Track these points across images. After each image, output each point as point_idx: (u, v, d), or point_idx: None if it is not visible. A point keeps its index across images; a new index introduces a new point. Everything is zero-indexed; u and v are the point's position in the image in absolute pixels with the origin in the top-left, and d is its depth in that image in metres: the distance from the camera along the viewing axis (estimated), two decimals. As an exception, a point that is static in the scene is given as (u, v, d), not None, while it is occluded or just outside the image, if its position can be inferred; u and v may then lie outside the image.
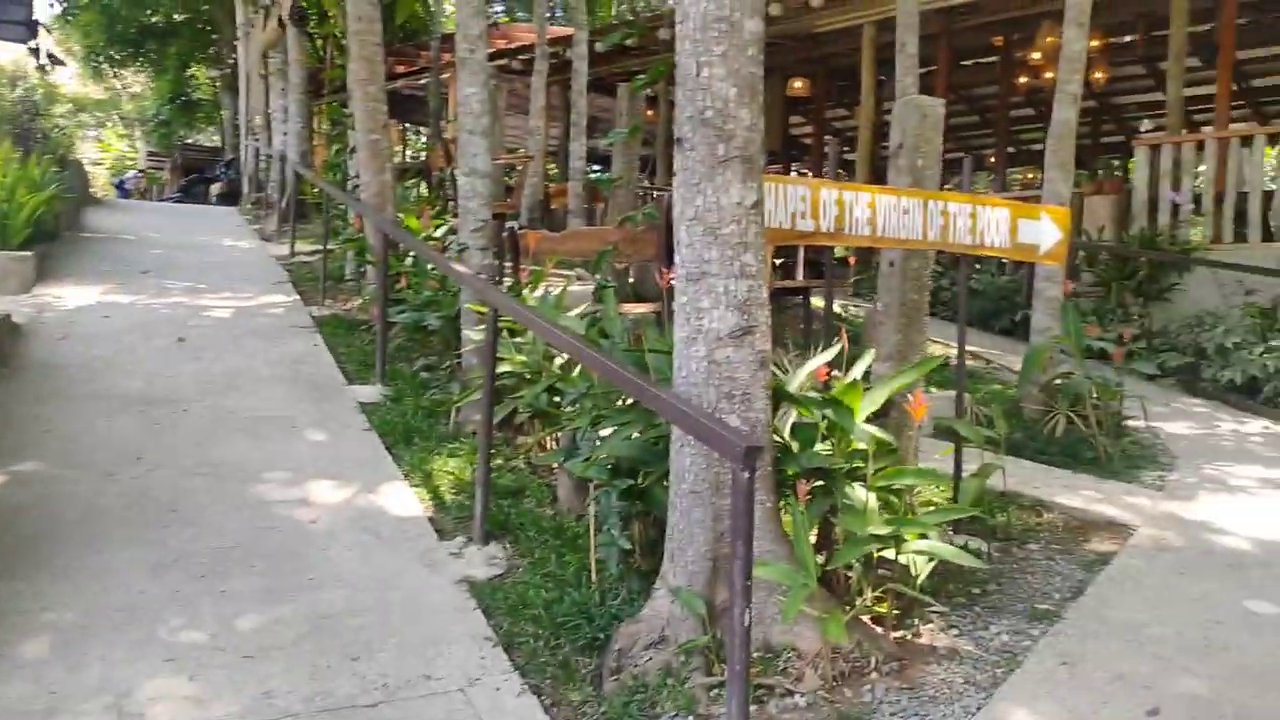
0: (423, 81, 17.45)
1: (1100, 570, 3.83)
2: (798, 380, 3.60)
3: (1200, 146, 9.04)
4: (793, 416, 3.60)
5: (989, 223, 4.26)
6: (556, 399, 4.46)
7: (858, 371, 3.52)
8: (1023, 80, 15.53)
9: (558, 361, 4.57)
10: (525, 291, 5.33)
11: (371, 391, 5.91)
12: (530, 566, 3.81)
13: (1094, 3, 6.12)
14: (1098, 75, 13.69)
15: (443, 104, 15.18)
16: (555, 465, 4.37)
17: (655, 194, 12.36)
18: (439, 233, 7.08)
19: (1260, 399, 7.13)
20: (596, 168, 25.57)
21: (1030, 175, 20.14)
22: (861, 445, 3.30)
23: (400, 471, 4.81)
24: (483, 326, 4.37)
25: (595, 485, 3.73)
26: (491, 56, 15.24)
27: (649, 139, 16.71)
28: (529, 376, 4.61)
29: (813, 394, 3.46)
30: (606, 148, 21.31)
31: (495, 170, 10.60)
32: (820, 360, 3.59)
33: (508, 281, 6.10)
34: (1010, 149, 18.04)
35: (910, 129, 4.61)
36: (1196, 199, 8.92)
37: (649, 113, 16.42)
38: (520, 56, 13.97)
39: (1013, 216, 4.34)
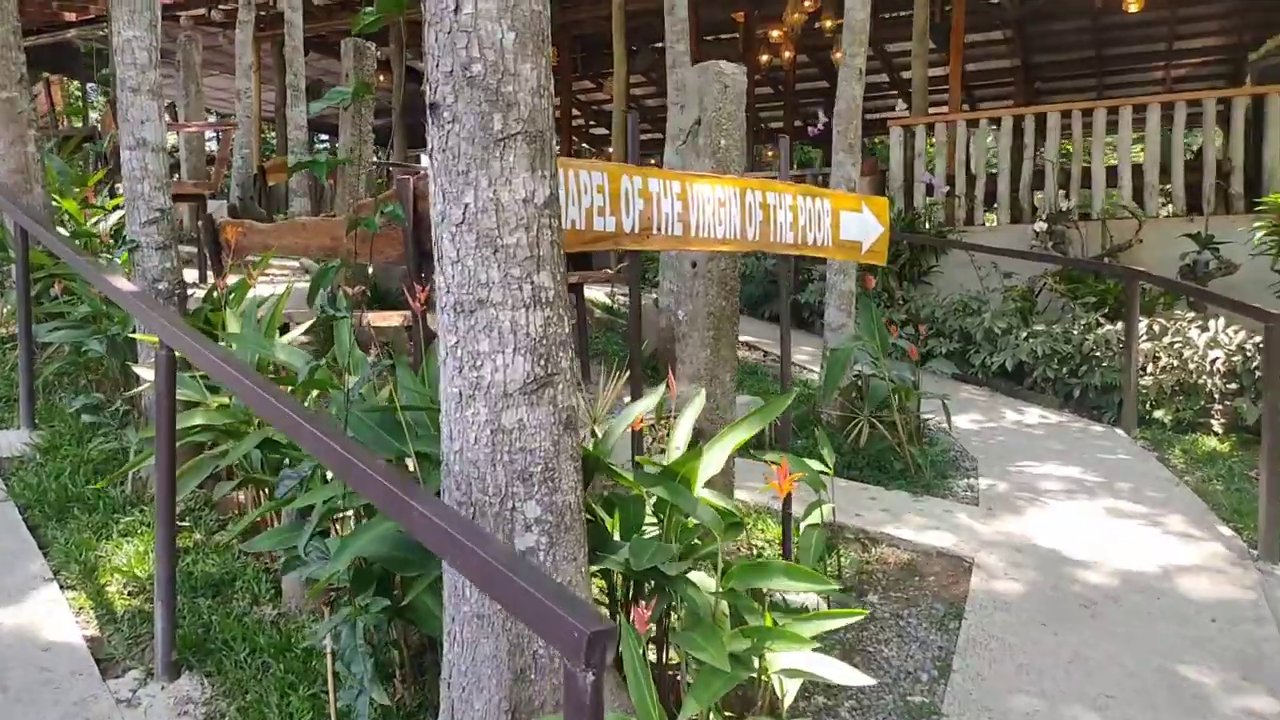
0: (102, 33, 14.77)
1: (957, 630, 3.25)
2: (616, 432, 2.70)
3: (952, 126, 9.06)
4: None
5: (811, 217, 3.56)
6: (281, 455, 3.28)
7: (686, 426, 2.68)
8: (764, 58, 15.52)
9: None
10: (228, 304, 4.03)
11: (11, 440, 4.37)
12: (239, 715, 2.67)
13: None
14: (836, 55, 13.81)
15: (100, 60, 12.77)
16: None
17: (393, 173, 11.01)
18: (110, 221, 5.48)
19: (1028, 384, 7.13)
20: (325, 138, 23.34)
21: (770, 154, 20.51)
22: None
23: (49, 566, 3.43)
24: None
25: (333, 595, 2.65)
26: (184, 4, 13.09)
27: (384, 106, 15.10)
28: (236, 427, 3.38)
29: (648, 467, 2.58)
30: (329, 113, 19.34)
31: (194, 141, 8.85)
32: (639, 409, 2.72)
33: (202, 289, 4.72)
34: (756, 128, 18.17)
35: (710, 102, 3.82)
36: (950, 180, 8.94)
37: (380, 77, 14.82)
38: (221, 5, 12.00)
39: (835, 209, 3.67)
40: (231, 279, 4.31)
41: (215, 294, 4.05)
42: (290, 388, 3.09)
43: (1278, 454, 4.09)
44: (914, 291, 8.65)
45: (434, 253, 2.28)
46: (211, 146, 11.62)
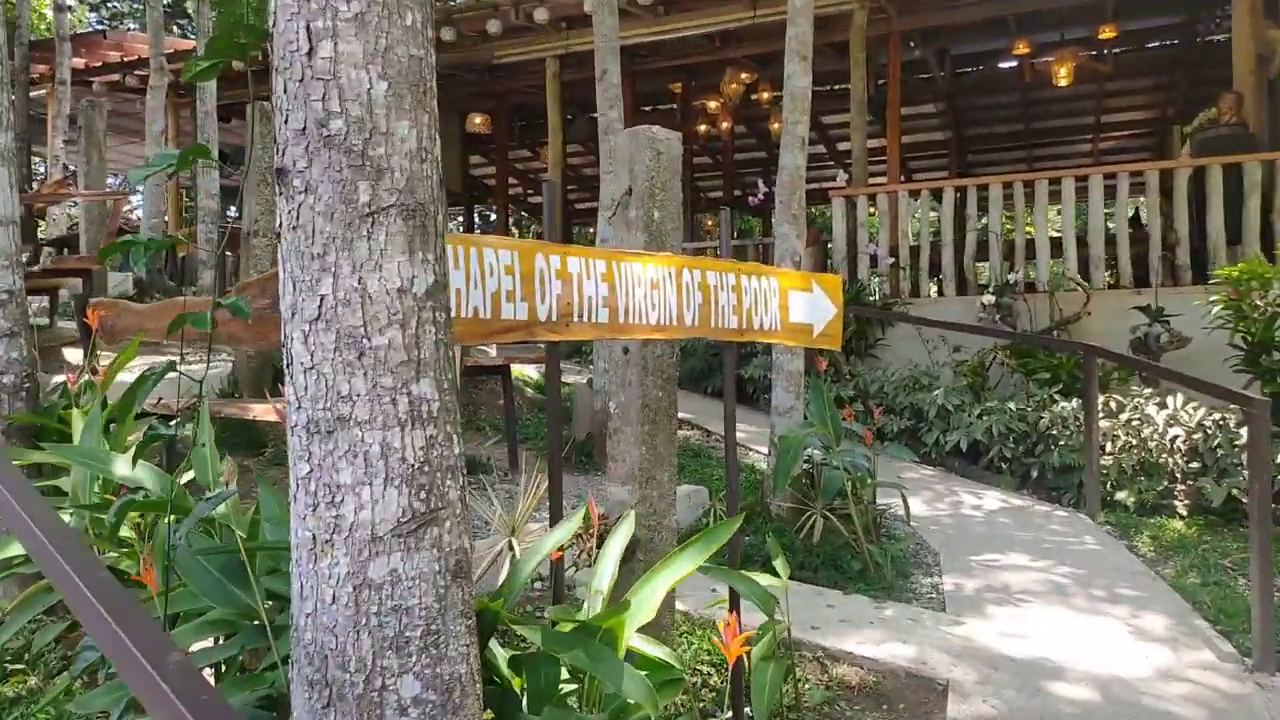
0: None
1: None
2: (527, 567, 2.19)
3: (894, 197, 8.87)
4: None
5: (757, 299, 3.14)
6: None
7: (613, 557, 2.19)
8: (702, 128, 15.44)
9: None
10: (77, 402, 3.46)
11: None
12: None
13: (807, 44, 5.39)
14: (775, 126, 13.76)
15: (30, 124, 12.16)
16: None
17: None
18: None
19: (984, 463, 6.78)
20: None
21: (711, 223, 20.41)
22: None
23: None
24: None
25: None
26: (98, 70, 12.55)
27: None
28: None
29: (563, 625, 2.08)
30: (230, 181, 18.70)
31: (95, 211, 8.25)
32: (555, 540, 2.23)
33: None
34: (695, 198, 18.06)
35: (641, 171, 3.43)
36: (893, 251, 8.71)
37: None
38: (137, 71, 11.47)
39: (783, 289, 3.26)
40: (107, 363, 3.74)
41: (68, 388, 3.48)
42: (140, 511, 2.53)
43: (1266, 551, 3.74)
44: (861, 366, 8.32)
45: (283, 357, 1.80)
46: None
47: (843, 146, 15.79)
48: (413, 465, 1.75)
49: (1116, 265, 8.05)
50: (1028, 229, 8.48)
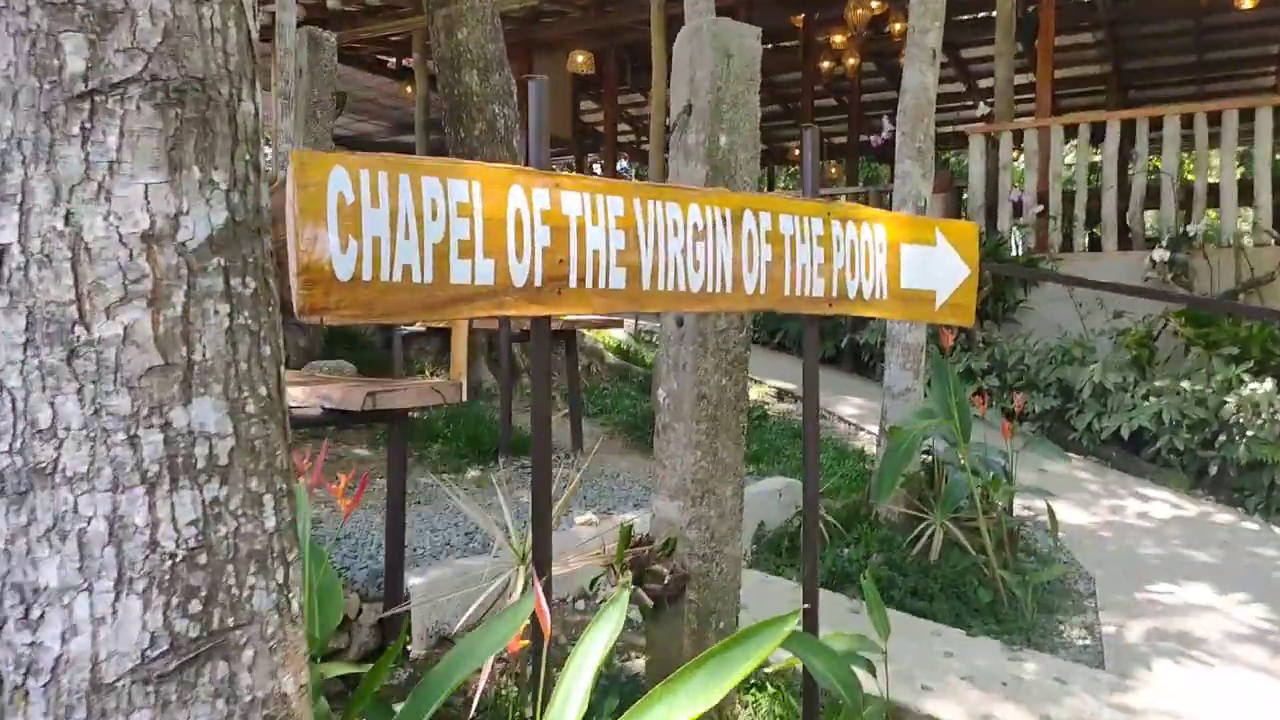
0: None
1: None
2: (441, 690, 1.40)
3: (1045, 134, 7.60)
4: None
5: (854, 254, 2.23)
6: None
7: (577, 693, 1.37)
8: (825, 65, 14.20)
9: None
10: None
11: None
12: None
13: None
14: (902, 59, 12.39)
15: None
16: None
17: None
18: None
19: (1148, 455, 5.63)
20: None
21: (835, 170, 19.08)
22: None
23: None
24: None
25: None
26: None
27: (406, 121, 13.57)
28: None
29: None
30: (364, 129, 18.42)
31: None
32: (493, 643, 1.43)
33: None
34: (821, 142, 16.81)
35: (704, 79, 2.55)
36: (1042, 198, 7.47)
37: (407, 88, 13.84)
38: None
39: (893, 241, 2.33)
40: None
41: None
42: None
43: None
44: (998, 332, 7.19)
45: None
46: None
47: (984, 83, 14.26)
48: (173, 554, 0.97)
49: (1324, 215, 6.62)
50: (1210, 172, 7.09)
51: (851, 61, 14.22)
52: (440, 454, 4.49)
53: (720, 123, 2.52)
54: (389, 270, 1.47)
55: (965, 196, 8.01)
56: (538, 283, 1.66)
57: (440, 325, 4.61)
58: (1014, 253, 7.39)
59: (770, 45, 14.85)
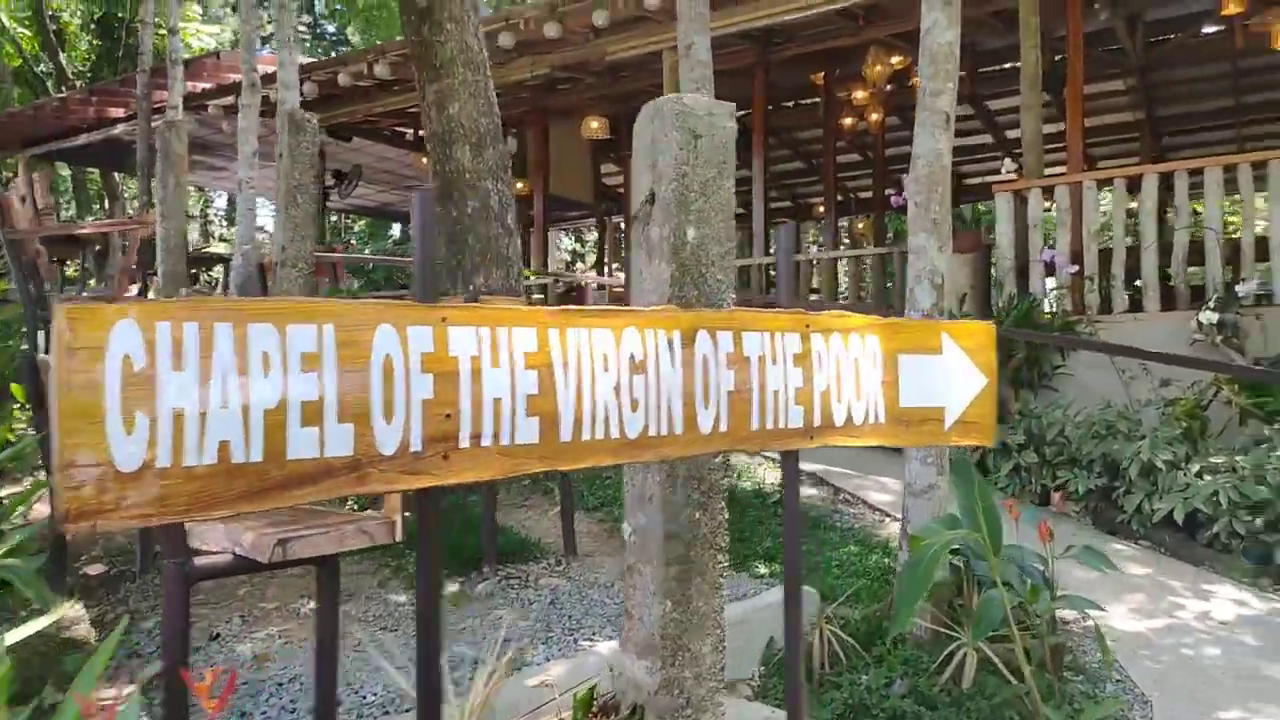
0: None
1: None
2: None
3: (1077, 190, 7.19)
4: None
5: (839, 372, 1.86)
6: None
7: None
8: (848, 121, 13.95)
9: None
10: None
11: None
12: None
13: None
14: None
15: (150, 154, 12.04)
16: None
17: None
18: None
19: (1205, 539, 5.11)
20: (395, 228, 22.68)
21: (862, 227, 18.72)
22: None
23: None
24: None
25: None
26: (209, 93, 12.38)
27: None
28: None
29: None
30: (391, 201, 18.49)
31: (173, 241, 7.75)
32: None
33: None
34: (839, 197, 16.54)
35: (668, 165, 2.22)
36: (1076, 257, 7.04)
37: (422, 159, 13.80)
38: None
39: (887, 352, 1.96)
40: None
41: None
42: None
43: None
44: (1035, 402, 6.72)
45: None
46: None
47: (1012, 133, 13.91)
48: None
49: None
50: (1259, 226, 6.64)
51: (875, 117, 13.95)
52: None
53: (687, 214, 2.18)
54: (197, 451, 1.13)
55: (995, 256, 7.60)
56: (416, 446, 1.30)
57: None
58: (1049, 314, 6.94)
59: (792, 103, 14.70)
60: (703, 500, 2.15)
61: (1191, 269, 7.02)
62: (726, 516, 2.21)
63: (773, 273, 10.98)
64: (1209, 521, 5.07)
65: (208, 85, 12.09)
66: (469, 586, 3.92)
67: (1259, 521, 4.95)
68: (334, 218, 22.50)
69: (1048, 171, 8.89)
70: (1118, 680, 3.59)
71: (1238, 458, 5.17)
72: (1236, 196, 6.58)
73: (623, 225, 20.10)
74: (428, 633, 1.50)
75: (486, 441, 1.37)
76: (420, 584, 1.53)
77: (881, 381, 1.91)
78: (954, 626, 3.47)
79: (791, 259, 1.95)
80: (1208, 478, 5.12)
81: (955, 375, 2.07)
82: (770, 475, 6.05)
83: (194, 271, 11.96)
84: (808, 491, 6.01)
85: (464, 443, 1.34)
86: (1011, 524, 3.31)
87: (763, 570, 4.43)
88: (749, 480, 5.92)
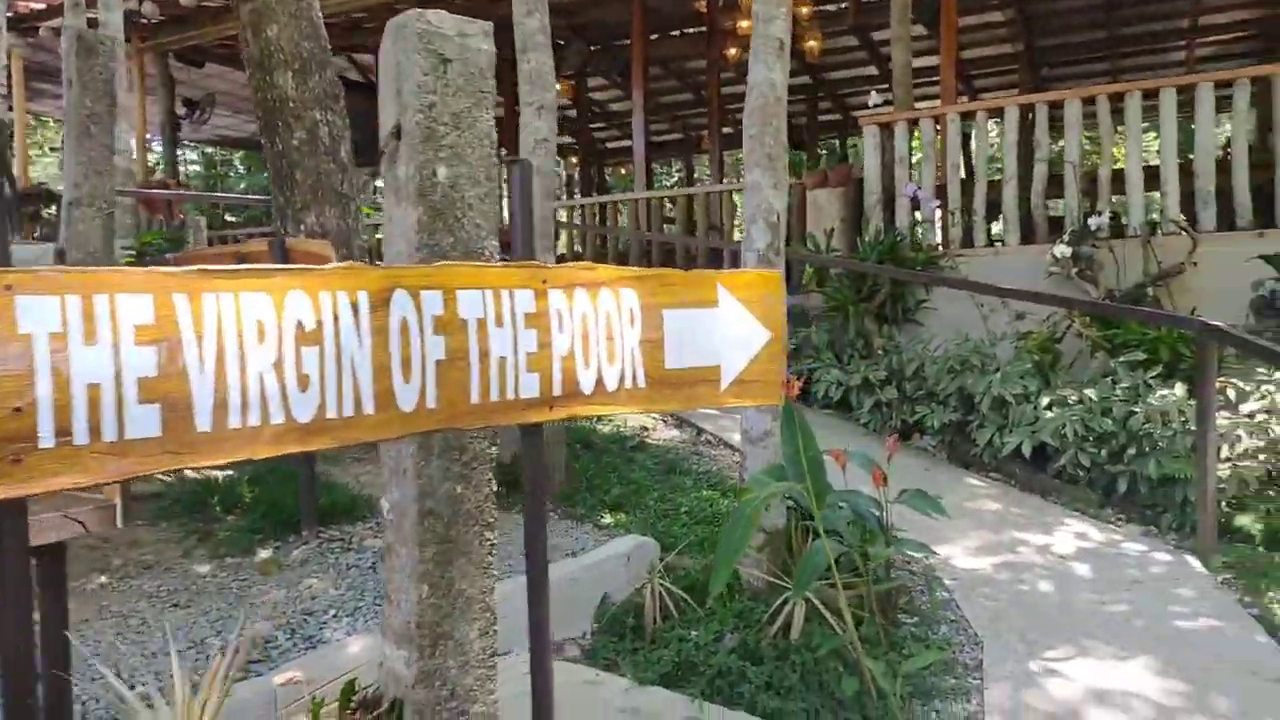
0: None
1: None
2: None
3: (942, 123, 7.12)
4: None
5: (587, 334, 1.64)
6: None
7: None
8: (733, 51, 13.66)
9: None
10: None
11: None
12: None
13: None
14: (810, 44, 11.92)
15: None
16: None
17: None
18: None
19: (1054, 470, 5.18)
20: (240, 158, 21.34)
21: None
22: None
23: None
24: None
25: None
26: (41, 14, 11.32)
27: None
28: None
29: None
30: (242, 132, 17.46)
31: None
32: None
33: None
34: (726, 129, 16.31)
35: (412, 94, 1.96)
36: (942, 191, 7.00)
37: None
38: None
39: (647, 306, 1.75)
40: None
41: None
42: None
43: None
44: (900, 335, 6.71)
45: None
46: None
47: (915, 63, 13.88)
48: None
49: (1232, 200, 6.23)
50: (1115, 158, 6.68)
51: (760, 46, 13.69)
52: (235, 529, 3.82)
53: (437, 150, 1.91)
54: None
55: (864, 189, 7.51)
56: (-24, 452, 1.03)
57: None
58: (914, 252, 6.90)
59: (678, 32, 14.31)
60: (464, 472, 1.93)
61: (1052, 201, 7.05)
62: (494, 489, 1.99)
63: (670, 208, 10.62)
64: (1057, 454, 5.13)
65: (38, 4, 11.03)
66: (284, 552, 3.65)
67: (1103, 453, 5.02)
68: (190, 152, 21.24)
69: (920, 105, 8.81)
70: (952, 620, 3.57)
71: (1086, 390, 5.23)
72: (1111, 129, 6.57)
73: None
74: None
75: (82, 439, 1.11)
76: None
77: (641, 341, 1.71)
78: (786, 577, 3.37)
79: (530, 203, 1.71)
80: (1056, 410, 5.16)
81: (733, 330, 1.88)
82: (634, 418, 5.90)
83: (32, 210, 11.06)
84: (669, 433, 5.88)
85: (46, 442, 1.08)
86: (855, 466, 3.20)
87: (608, 520, 4.27)
88: (610, 423, 5.75)
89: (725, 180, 16.11)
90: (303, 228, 5.10)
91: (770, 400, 1.99)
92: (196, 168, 23.33)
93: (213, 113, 12.93)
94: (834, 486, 3.30)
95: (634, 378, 1.69)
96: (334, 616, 3.04)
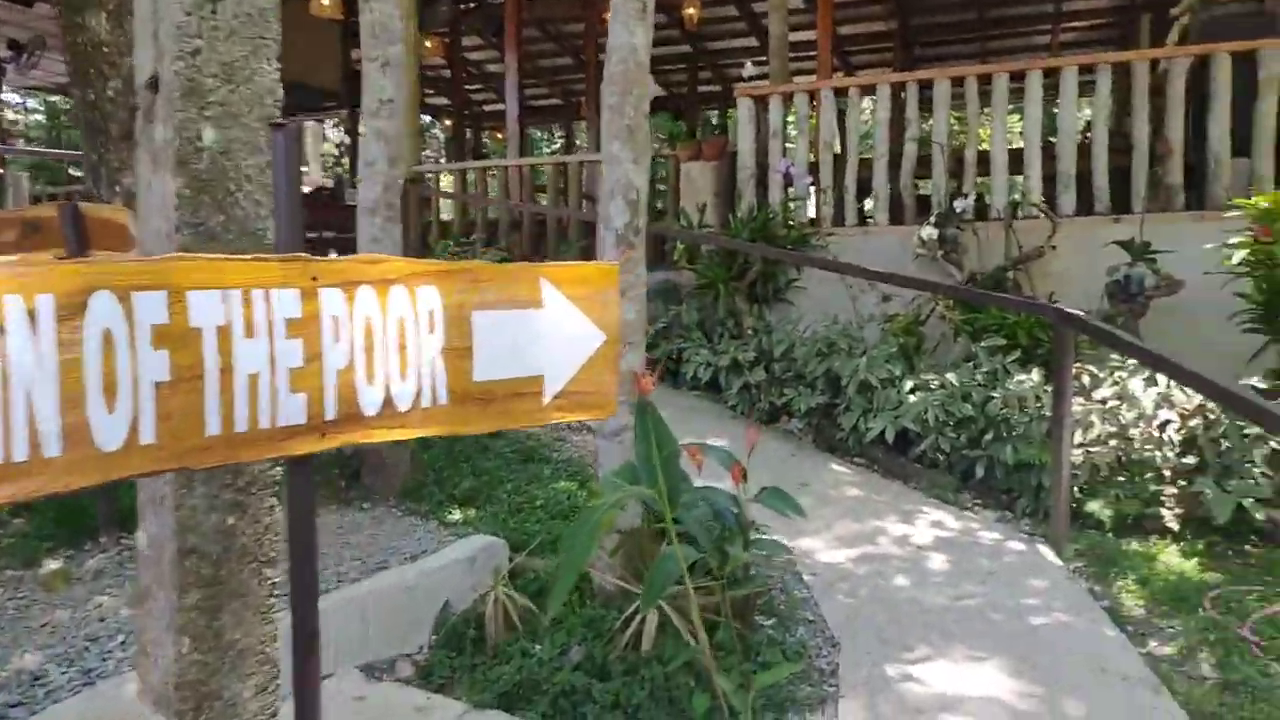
0: None
1: None
2: None
3: (816, 98, 7.00)
4: None
5: (370, 343, 1.35)
6: None
7: None
8: (608, 17, 13.28)
9: None
10: None
11: None
12: None
13: None
14: (689, 11, 11.70)
15: None
16: None
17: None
18: None
19: (914, 455, 5.16)
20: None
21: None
22: None
23: None
24: None
25: None
26: None
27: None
28: None
29: None
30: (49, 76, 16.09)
31: None
32: None
33: None
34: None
35: (170, 36, 1.60)
36: (814, 168, 6.90)
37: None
38: None
39: (452, 306, 1.47)
40: None
41: None
42: None
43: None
44: (770, 315, 6.61)
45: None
46: None
47: (794, 37, 13.81)
48: None
49: (1091, 185, 6.34)
50: (981, 140, 6.71)
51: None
52: (21, 535, 3.35)
53: (202, 107, 1.57)
54: None
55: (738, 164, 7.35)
56: None
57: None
58: (786, 230, 6.79)
59: (556, -10, 13.87)
60: (238, 500, 1.62)
61: (920, 181, 7.05)
62: (277, 517, 1.69)
63: (543, 172, 10.16)
64: (919, 439, 5.10)
65: None
66: (77, 563, 3.22)
67: (963, 438, 5.03)
68: (31, 100, 19.51)
69: (800, 79, 8.70)
70: (810, 621, 3.45)
71: (948, 375, 5.22)
72: (978, 110, 6.58)
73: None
74: None
75: None
76: None
77: (444, 349, 1.43)
78: (639, 581, 3.17)
79: (296, 179, 1.41)
80: (919, 395, 5.14)
81: (561, 334, 1.62)
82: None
83: None
84: (530, 417, 5.60)
85: None
86: (715, 462, 3.01)
87: (456, 516, 3.98)
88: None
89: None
90: (118, 189, 4.57)
91: (603, 414, 1.75)
92: (39, 117, 21.39)
93: (42, 56, 11.74)
94: (694, 482, 3.11)
95: (433, 394, 1.42)
96: (122, 644, 2.66)
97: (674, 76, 17.51)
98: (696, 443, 3.08)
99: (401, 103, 3.93)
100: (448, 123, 18.44)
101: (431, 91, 17.99)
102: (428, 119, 21.04)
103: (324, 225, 14.34)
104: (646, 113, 3.33)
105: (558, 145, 24.40)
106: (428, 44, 12.29)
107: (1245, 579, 4.05)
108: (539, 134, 25.49)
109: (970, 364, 5.28)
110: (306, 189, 20.35)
